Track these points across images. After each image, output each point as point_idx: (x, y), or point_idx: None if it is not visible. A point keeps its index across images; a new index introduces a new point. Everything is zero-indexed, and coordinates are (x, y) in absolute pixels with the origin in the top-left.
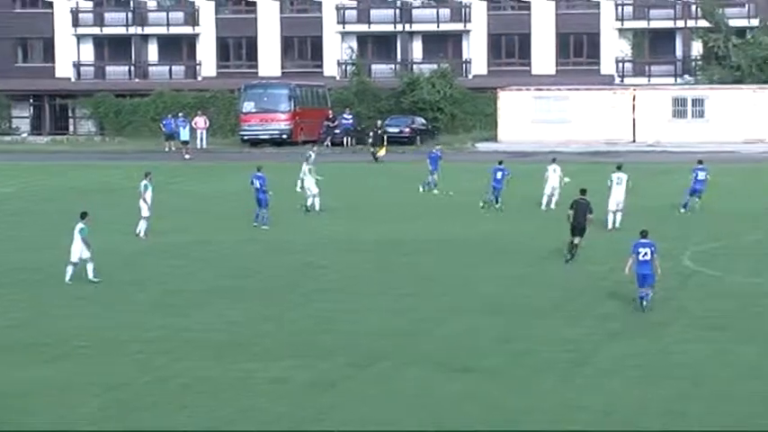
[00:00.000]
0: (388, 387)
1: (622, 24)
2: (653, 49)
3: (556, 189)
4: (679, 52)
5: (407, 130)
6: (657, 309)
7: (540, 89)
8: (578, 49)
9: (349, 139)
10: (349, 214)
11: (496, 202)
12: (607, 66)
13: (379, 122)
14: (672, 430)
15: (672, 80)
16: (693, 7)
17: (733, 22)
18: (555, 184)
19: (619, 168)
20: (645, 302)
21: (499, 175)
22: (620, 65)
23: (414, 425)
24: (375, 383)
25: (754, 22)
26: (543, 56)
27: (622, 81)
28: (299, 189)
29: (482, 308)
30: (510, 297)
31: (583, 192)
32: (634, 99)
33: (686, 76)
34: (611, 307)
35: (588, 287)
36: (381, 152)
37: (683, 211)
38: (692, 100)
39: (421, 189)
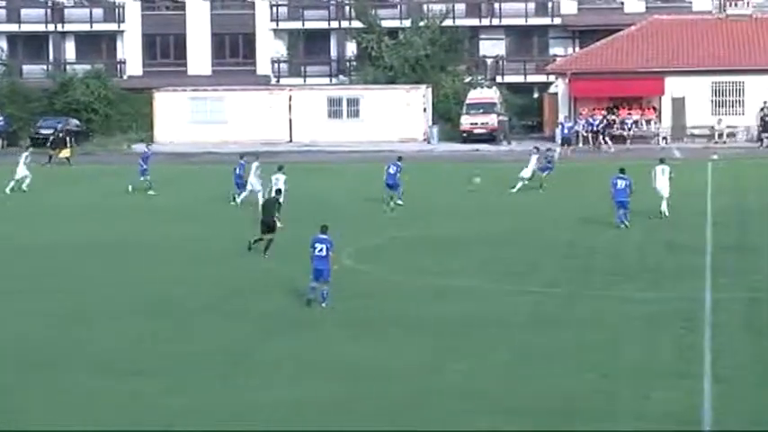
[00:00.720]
0: (53, 391)
1: (277, 25)
2: (308, 49)
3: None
4: (334, 53)
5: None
6: (314, 307)
7: (197, 90)
8: (234, 49)
9: (1, 141)
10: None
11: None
12: (263, 66)
13: (60, 125)
14: (330, 429)
15: (327, 80)
16: (347, 8)
17: (386, 23)
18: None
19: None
20: (324, 298)
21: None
22: (276, 65)
23: (78, 426)
24: (41, 388)
25: (407, 23)
26: (199, 56)
27: (278, 81)
28: None
29: (144, 309)
30: (170, 298)
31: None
32: (290, 99)
33: (341, 77)
34: (270, 305)
35: (248, 286)
36: (64, 153)
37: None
38: (348, 100)
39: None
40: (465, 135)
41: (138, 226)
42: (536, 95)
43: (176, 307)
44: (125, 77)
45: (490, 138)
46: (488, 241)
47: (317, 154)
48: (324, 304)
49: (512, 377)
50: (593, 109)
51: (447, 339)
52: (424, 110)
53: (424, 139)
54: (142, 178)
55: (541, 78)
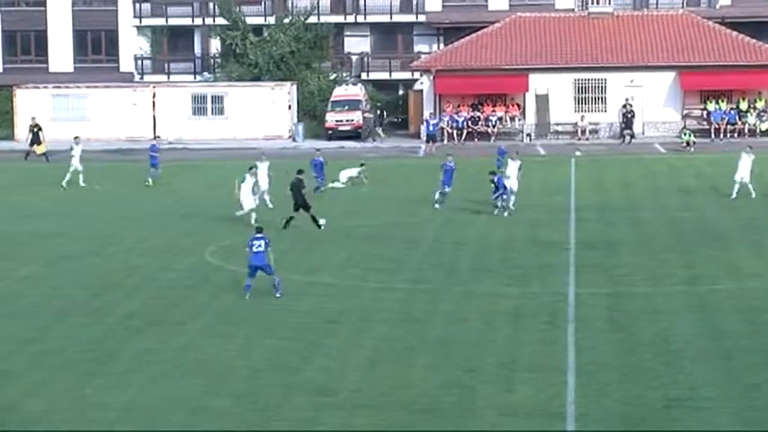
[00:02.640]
0: None
1: (140, 22)
2: (172, 46)
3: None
4: (198, 50)
5: None
6: (180, 305)
7: (59, 87)
8: (96, 46)
9: None
10: None
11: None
12: (126, 63)
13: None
14: (198, 429)
15: (191, 77)
16: (211, 5)
17: (250, 20)
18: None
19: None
20: (277, 288)
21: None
22: (140, 62)
23: None
24: None
25: (271, 20)
26: (61, 53)
27: (142, 78)
28: None
29: (3, 311)
30: (28, 297)
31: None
32: (154, 96)
33: (206, 74)
34: (134, 305)
35: (114, 284)
36: (41, 149)
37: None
38: (212, 97)
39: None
40: (330, 132)
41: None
42: (401, 92)
43: (37, 307)
44: None
45: (355, 135)
46: (353, 237)
47: (181, 151)
48: (278, 294)
49: (373, 373)
50: (458, 106)
51: (309, 336)
52: (289, 107)
53: (290, 137)
54: (153, 170)
55: (407, 75)
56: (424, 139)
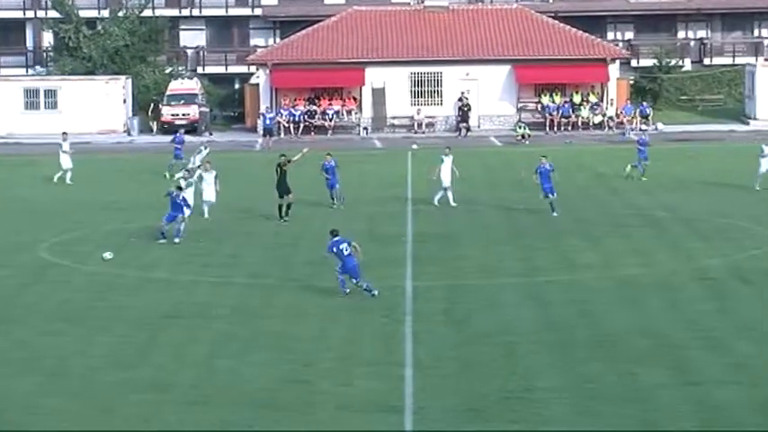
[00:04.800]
0: None
1: None
2: (3, 39)
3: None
4: (30, 43)
5: None
6: (14, 302)
7: None
8: None
9: None
10: None
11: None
12: None
13: None
14: (33, 429)
15: (23, 71)
16: None
17: (83, 13)
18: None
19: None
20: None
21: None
22: None
23: None
24: None
25: (105, 13)
26: None
27: None
28: None
29: None
30: None
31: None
32: None
33: (38, 68)
34: None
35: None
36: None
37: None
38: (45, 91)
39: None
40: (166, 126)
41: None
42: (237, 86)
43: None
44: None
45: (192, 129)
46: (190, 233)
47: (13, 146)
48: (375, 293)
49: (209, 369)
50: (295, 99)
51: (145, 332)
52: (124, 101)
53: (125, 131)
54: (175, 161)
55: (243, 69)
56: (261, 133)
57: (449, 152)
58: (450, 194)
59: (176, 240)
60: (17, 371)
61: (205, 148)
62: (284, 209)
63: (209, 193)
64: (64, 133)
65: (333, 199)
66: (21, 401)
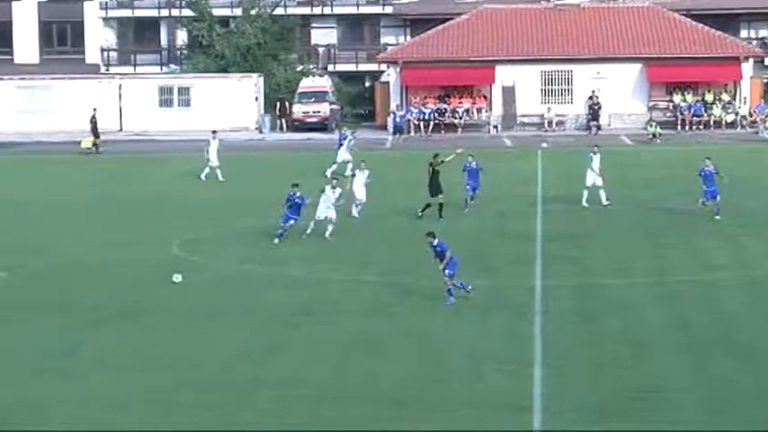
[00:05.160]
0: None
1: (107, 13)
2: (138, 37)
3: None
4: (164, 41)
5: None
6: (144, 300)
7: (24, 78)
8: (62, 37)
9: None
10: None
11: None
12: (92, 55)
13: None
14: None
15: (158, 69)
16: None
17: (217, 12)
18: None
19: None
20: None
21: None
22: (106, 54)
23: None
24: None
25: (238, 12)
26: (26, 45)
27: (108, 70)
28: None
29: None
30: None
31: None
32: (120, 88)
33: (172, 66)
34: (95, 298)
35: (72, 278)
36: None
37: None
38: (178, 89)
39: None
40: (297, 124)
41: None
42: (368, 84)
43: None
44: None
45: (322, 126)
46: (320, 231)
47: (147, 143)
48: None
49: (343, 366)
50: (425, 97)
51: (277, 329)
52: (256, 99)
53: (256, 128)
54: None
55: (373, 67)
56: (391, 130)
57: (597, 150)
58: (602, 193)
59: (275, 241)
60: (151, 367)
61: (352, 133)
62: (438, 209)
63: (361, 193)
64: (214, 131)
65: (467, 201)
66: (154, 398)
